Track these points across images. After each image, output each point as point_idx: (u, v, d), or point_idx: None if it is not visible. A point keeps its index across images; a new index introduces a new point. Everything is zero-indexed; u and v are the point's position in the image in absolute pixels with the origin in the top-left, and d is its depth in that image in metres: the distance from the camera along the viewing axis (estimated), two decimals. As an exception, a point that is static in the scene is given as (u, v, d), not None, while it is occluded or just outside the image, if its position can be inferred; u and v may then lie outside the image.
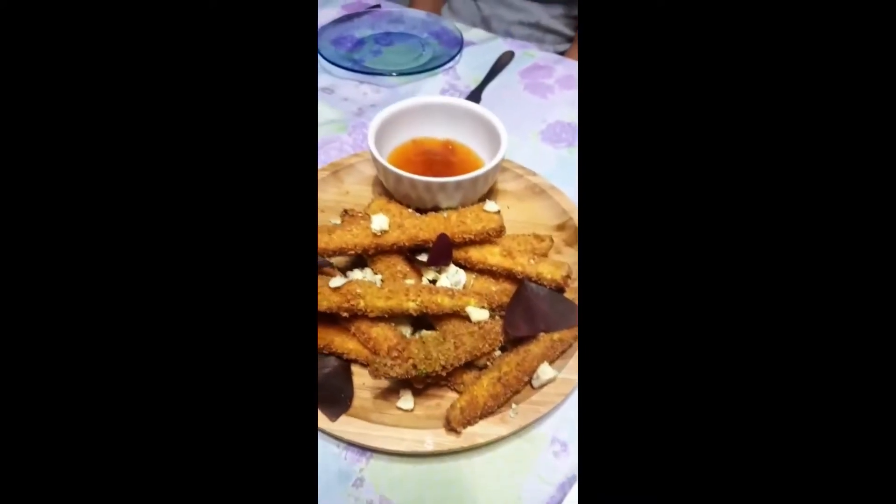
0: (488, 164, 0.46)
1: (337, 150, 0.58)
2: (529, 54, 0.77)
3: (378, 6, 0.88)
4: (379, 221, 0.39)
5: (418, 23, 0.82)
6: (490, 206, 0.41)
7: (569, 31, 1.02)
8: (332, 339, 0.37)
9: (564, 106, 0.67)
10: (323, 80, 0.70)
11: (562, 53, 1.03)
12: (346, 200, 0.51)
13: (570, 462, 0.36)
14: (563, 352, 0.39)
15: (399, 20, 0.83)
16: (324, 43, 0.74)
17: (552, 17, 1.00)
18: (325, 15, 0.83)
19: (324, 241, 0.39)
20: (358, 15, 0.83)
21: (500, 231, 0.40)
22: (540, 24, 1.00)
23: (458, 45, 0.75)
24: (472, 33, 0.81)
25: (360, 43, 0.78)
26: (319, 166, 0.54)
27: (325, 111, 0.65)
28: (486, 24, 1.02)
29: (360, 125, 0.62)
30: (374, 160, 0.46)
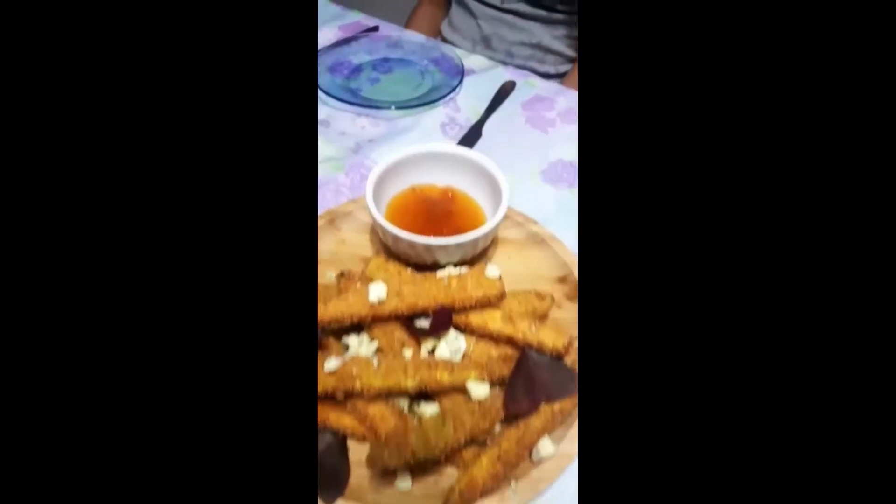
0: (489, 223, 0.45)
1: (333, 192, 0.57)
2: (531, 84, 0.75)
3: (377, 28, 0.86)
4: (376, 291, 0.38)
5: (417, 47, 0.81)
6: (491, 270, 0.40)
7: (570, 52, 1.01)
8: (328, 415, 0.36)
9: (565, 142, 0.66)
10: (319, 111, 0.69)
11: (563, 75, 1.02)
12: (342, 251, 0.50)
13: (569, 537, 0.36)
14: (563, 421, 0.39)
15: (397, 45, 0.81)
16: (320, 70, 0.73)
17: (554, 38, 0.99)
18: (322, 36, 0.81)
19: (319, 311, 0.38)
20: (356, 38, 0.81)
21: (501, 297, 0.40)
22: (541, 45, 0.99)
23: (459, 74, 0.74)
24: (472, 60, 0.80)
25: (358, 70, 0.77)
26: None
27: (321, 147, 0.63)
28: (486, 42, 1.01)
29: (357, 164, 0.61)
30: (373, 219, 0.45)
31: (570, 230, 0.54)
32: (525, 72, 0.79)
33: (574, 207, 0.57)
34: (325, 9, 0.89)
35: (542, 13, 0.95)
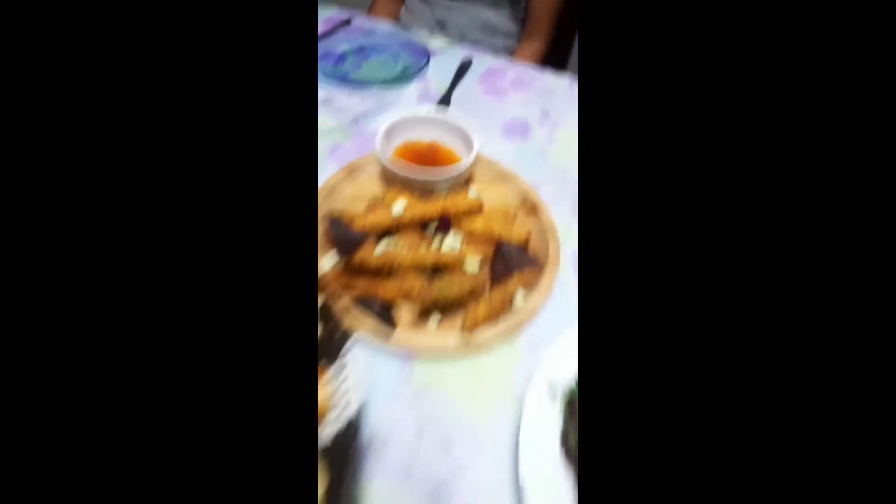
0: (465, 161, 0.64)
1: (344, 155, 0.75)
2: (484, 60, 0.94)
3: (349, 21, 1.03)
4: (397, 207, 0.57)
5: (388, 35, 0.98)
6: (472, 192, 0.60)
7: (515, 27, 1.19)
8: (378, 289, 0.55)
9: (516, 106, 0.85)
10: (320, 92, 0.85)
11: (511, 51, 1.21)
12: (363, 191, 0.68)
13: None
14: (529, 284, 0.59)
15: (371, 33, 0.98)
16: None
17: (500, 17, 1.17)
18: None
19: (361, 222, 0.56)
20: (334, 31, 0.97)
21: (480, 208, 0.59)
22: (490, 24, 1.17)
23: (426, 55, 0.92)
24: (433, 43, 0.98)
25: (342, 58, 0.94)
26: (335, 170, 0.70)
27: (327, 121, 0.81)
28: (441, 26, 1.19)
29: (358, 132, 0.79)
30: (387, 168, 0.64)
31: (524, 170, 0.73)
32: (478, 50, 0.97)
33: (525, 152, 0.77)
34: (304, 6, 1.04)
35: (487, -2, 1.13)
